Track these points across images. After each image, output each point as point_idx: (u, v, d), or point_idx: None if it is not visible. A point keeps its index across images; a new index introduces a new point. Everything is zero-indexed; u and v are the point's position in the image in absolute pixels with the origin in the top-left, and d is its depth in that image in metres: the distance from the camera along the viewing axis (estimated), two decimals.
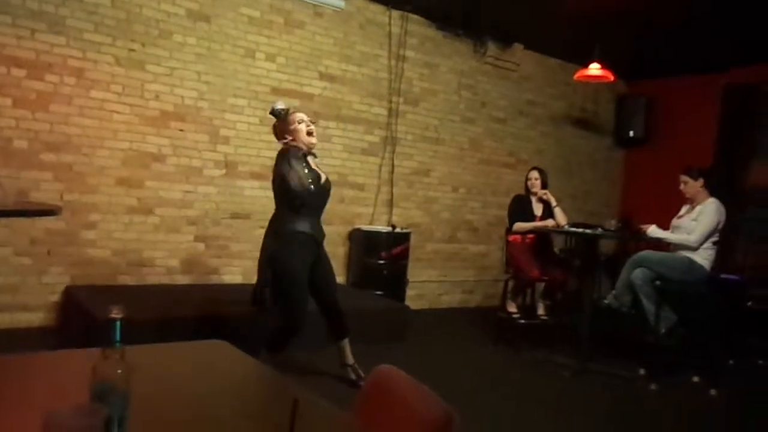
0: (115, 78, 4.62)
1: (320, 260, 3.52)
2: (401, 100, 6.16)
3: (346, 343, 3.68)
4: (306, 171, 3.33)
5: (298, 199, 3.31)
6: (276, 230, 3.42)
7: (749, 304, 5.09)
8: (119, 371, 0.99)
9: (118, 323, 1.01)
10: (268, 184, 5.31)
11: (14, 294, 4.31)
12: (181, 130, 4.93)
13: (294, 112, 3.46)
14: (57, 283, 4.46)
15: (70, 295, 4.37)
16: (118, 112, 4.64)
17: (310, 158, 3.46)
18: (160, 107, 4.82)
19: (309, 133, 3.41)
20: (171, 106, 4.87)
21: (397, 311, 5.14)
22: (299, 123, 3.40)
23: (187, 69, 4.92)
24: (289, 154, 3.32)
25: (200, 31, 4.97)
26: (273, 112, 3.45)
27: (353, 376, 3.63)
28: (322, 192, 3.44)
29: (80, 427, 0.84)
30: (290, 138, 3.40)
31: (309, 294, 3.45)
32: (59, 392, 1.18)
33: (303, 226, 3.38)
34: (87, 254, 4.58)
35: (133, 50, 4.67)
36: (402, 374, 1.45)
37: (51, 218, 4.16)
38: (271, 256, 3.39)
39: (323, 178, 3.46)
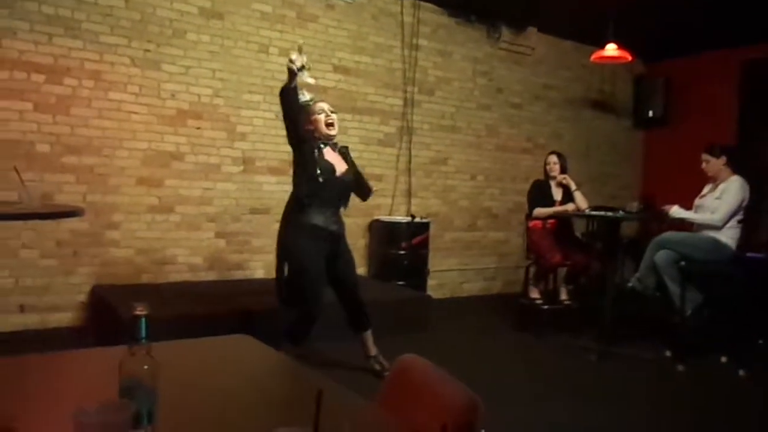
0: (131, 79, 4.66)
1: (338, 253, 3.49)
2: (416, 89, 6.13)
3: (368, 335, 3.69)
4: (320, 162, 3.33)
5: (305, 189, 3.34)
6: (287, 220, 3.46)
7: None
8: (146, 367, 1.01)
9: (143, 320, 1.03)
10: (286, 179, 5.37)
11: (43, 295, 4.39)
12: (198, 128, 4.97)
13: (316, 102, 3.46)
14: (83, 284, 4.54)
15: (96, 294, 4.44)
16: (136, 113, 4.69)
17: (328, 149, 3.43)
18: (176, 106, 4.86)
19: (328, 124, 3.40)
20: (187, 104, 4.91)
21: (419, 301, 5.15)
22: (319, 113, 3.41)
23: (201, 67, 4.95)
24: (305, 144, 3.35)
25: (213, 29, 4.99)
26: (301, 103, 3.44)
27: (377, 367, 3.65)
28: (336, 184, 3.39)
29: (109, 423, 0.86)
30: (312, 128, 3.41)
31: (324, 285, 3.44)
32: (88, 389, 1.20)
33: (313, 217, 3.36)
34: (111, 254, 4.65)
35: (148, 51, 4.71)
36: (426, 362, 1.45)
37: (75, 220, 4.23)
38: (283, 246, 3.45)
39: (340, 170, 3.42)
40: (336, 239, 3.47)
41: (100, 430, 0.85)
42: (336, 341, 3.90)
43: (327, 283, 3.47)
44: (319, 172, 3.30)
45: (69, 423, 0.85)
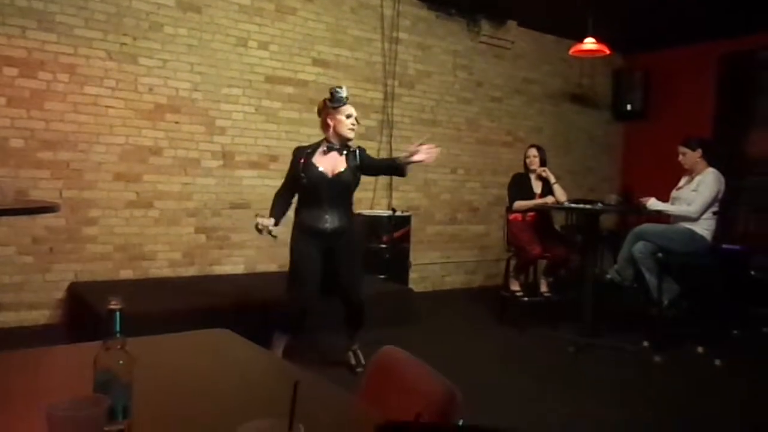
0: (108, 73, 4.60)
1: (334, 252, 3.50)
2: (396, 83, 6.13)
3: (355, 332, 3.75)
4: (305, 169, 3.40)
5: (299, 192, 3.51)
6: (294, 220, 3.59)
7: (752, 273, 5.11)
8: (121, 362, 1.00)
9: (118, 314, 1.02)
10: (267, 173, 5.39)
11: (19, 292, 4.32)
12: (177, 122, 4.92)
13: (347, 104, 3.45)
14: (61, 280, 4.47)
15: (74, 291, 4.39)
16: (112, 107, 4.63)
17: (319, 154, 3.45)
18: (154, 100, 4.80)
19: (350, 129, 3.45)
20: (165, 98, 4.85)
21: (400, 294, 5.16)
22: (347, 117, 3.43)
23: (179, 60, 4.90)
24: (307, 148, 3.50)
25: (191, 22, 4.94)
26: (334, 94, 3.41)
27: (353, 361, 3.70)
28: (329, 185, 3.41)
29: (83, 418, 0.85)
30: (330, 123, 3.45)
31: (315, 281, 3.47)
32: (62, 385, 1.19)
33: (305, 217, 3.48)
34: (89, 250, 4.59)
35: (124, 44, 4.65)
36: (405, 354, 1.46)
37: (51, 216, 4.17)
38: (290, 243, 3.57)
39: (333, 171, 3.42)
40: (330, 238, 3.46)
41: (73, 424, 0.84)
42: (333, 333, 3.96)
43: (318, 279, 3.49)
44: (303, 176, 3.41)
45: (43, 419, 0.84)
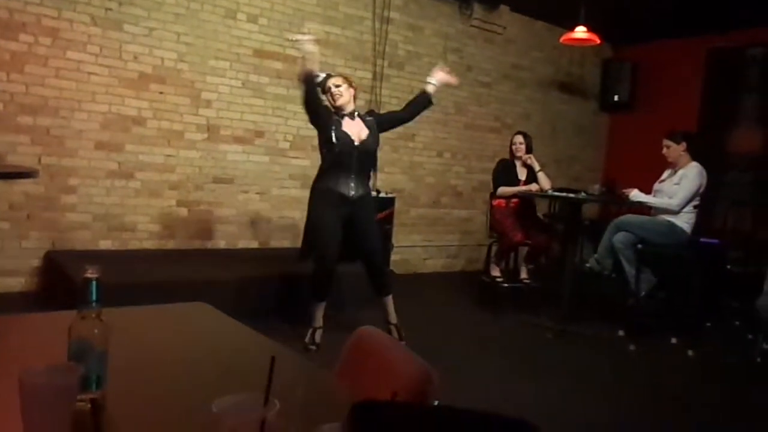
0: (91, 38, 4.50)
1: (356, 219, 3.67)
2: (386, 63, 6.08)
3: (388, 300, 3.85)
4: (336, 133, 3.54)
5: (325, 158, 3.64)
6: (312, 187, 3.74)
7: (728, 267, 5.20)
8: (96, 331, 0.98)
9: (94, 282, 1.00)
10: (252, 148, 5.34)
11: None
12: (161, 93, 4.84)
13: (327, 79, 3.67)
14: (38, 248, 4.41)
15: (51, 259, 4.33)
16: (95, 74, 4.54)
17: (347, 120, 3.63)
18: (138, 69, 4.72)
19: (336, 97, 3.63)
20: (150, 67, 4.76)
21: None
22: (326, 91, 3.66)
23: (166, 29, 4.80)
24: (324, 121, 3.60)
25: None
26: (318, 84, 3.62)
27: (395, 335, 3.76)
28: (353, 152, 3.58)
29: (55, 385, 0.83)
30: (329, 102, 3.67)
31: (336, 246, 3.63)
32: (36, 353, 1.17)
33: (329, 182, 3.61)
34: (67, 219, 4.52)
35: (109, 9, 4.54)
36: (383, 334, 1.46)
37: (30, 182, 4.10)
38: (307, 209, 3.74)
39: (359, 138, 3.60)
40: (354, 205, 3.64)
41: (46, 391, 0.83)
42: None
43: (339, 244, 3.66)
44: (335, 142, 3.54)
45: (15, 385, 0.82)
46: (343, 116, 3.64)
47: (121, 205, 4.75)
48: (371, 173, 3.86)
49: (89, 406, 0.89)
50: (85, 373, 0.92)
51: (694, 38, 6.97)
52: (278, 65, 5.41)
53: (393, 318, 3.86)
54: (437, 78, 3.83)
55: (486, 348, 4.17)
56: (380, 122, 3.78)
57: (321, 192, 3.65)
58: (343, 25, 5.78)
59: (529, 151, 5.26)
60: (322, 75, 3.65)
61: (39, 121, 4.34)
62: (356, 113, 3.70)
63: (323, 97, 3.66)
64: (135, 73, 4.70)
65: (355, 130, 3.63)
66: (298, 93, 5.42)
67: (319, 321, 3.72)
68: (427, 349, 1.31)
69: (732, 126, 6.94)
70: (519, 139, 5.29)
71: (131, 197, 4.79)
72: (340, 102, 3.63)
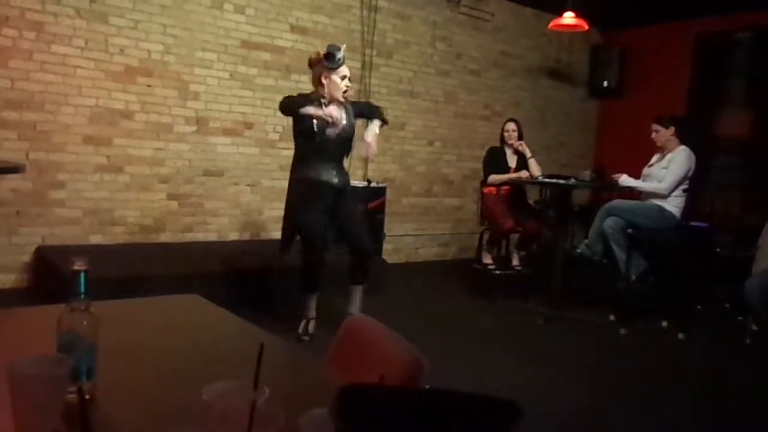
0: (76, 32, 4.45)
1: (340, 206, 3.60)
2: (374, 52, 6.06)
3: (358, 289, 3.78)
4: (319, 115, 3.39)
5: (305, 145, 3.49)
6: (290, 177, 3.62)
7: (718, 250, 5.24)
8: (85, 323, 0.99)
9: (83, 274, 1.00)
10: (241, 140, 5.32)
11: None
12: (149, 86, 4.80)
13: (342, 65, 3.44)
14: (27, 244, 4.39)
15: (41, 255, 4.31)
16: (81, 68, 4.50)
17: (332, 106, 3.47)
18: (125, 62, 4.68)
19: (344, 91, 3.47)
20: (136, 60, 4.72)
21: (374, 265, 5.16)
22: (342, 78, 3.44)
23: (152, 22, 4.76)
24: (307, 98, 3.44)
25: None
26: (331, 56, 3.38)
27: None
28: (336, 137, 3.48)
29: (45, 376, 0.84)
30: (324, 82, 3.45)
31: (323, 235, 3.56)
32: (26, 346, 1.17)
33: (310, 171, 3.49)
34: (57, 214, 4.50)
35: (94, 2, 4.49)
36: (374, 322, 1.47)
37: (17, 178, 4.07)
38: (286, 201, 3.61)
39: (339, 125, 3.46)
40: (338, 192, 3.57)
41: (35, 383, 0.83)
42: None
43: (326, 234, 3.60)
44: (316, 130, 3.40)
45: (4, 377, 0.82)
46: (321, 103, 3.45)
47: (111, 199, 4.72)
48: (345, 159, 3.72)
49: (77, 395, 0.90)
50: (75, 365, 0.92)
51: (682, 23, 6.98)
52: (266, 56, 5.38)
53: (355, 308, 3.73)
54: (366, 143, 3.56)
55: (478, 334, 4.20)
56: (356, 113, 3.65)
57: (303, 182, 3.52)
58: (331, 14, 5.75)
59: (520, 138, 5.27)
60: (341, 50, 3.40)
61: (25, 116, 4.30)
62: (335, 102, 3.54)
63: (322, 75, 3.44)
64: (122, 66, 4.66)
65: (336, 115, 3.46)
66: (286, 84, 5.45)
67: (312, 312, 3.71)
68: (418, 336, 1.32)
69: (720, 110, 6.97)
70: (512, 126, 5.30)
71: (121, 191, 4.76)
72: (342, 98, 3.48)
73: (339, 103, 3.51)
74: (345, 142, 3.58)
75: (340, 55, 3.37)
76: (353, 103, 3.74)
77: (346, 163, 3.75)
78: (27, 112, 4.31)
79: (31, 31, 4.27)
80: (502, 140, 5.33)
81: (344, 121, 3.52)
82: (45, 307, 1.50)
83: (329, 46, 3.44)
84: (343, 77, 3.46)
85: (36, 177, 4.35)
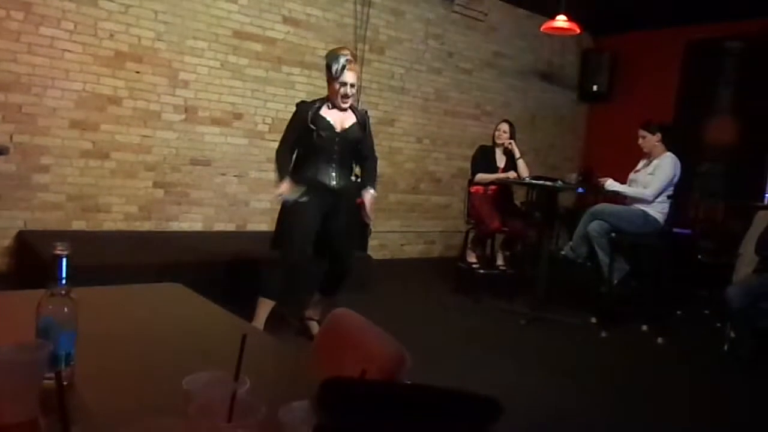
0: (66, 14, 4.39)
1: (333, 211, 3.43)
2: (367, 47, 6.04)
3: (322, 300, 3.68)
4: (318, 120, 3.31)
5: (306, 145, 3.37)
6: (292, 175, 3.44)
7: (699, 257, 5.30)
8: (65, 309, 0.98)
9: (64, 259, 0.99)
10: (229, 130, 5.29)
11: None
12: (138, 72, 4.75)
13: (347, 71, 3.32)
14: (9, 228, 4.33)
15: (22, 239, 4.26)
16: (69, 51, 4.44)
17: (332, 107, 3.39)
18: (114, 47, 4.63)
19: (343, 98, 3.35)
20: (126, 46, 4.67)
21: (359, 261, 5.15)
22: (341, 86, 3.32)
23: (143, 7, 4.71)
24: (313, 103, 3.38)
25: None
26: (328, 66, 3.33)
27: (309, 332, 3.67)
28: (338, 139, 3.36)
29: (23, 362, 0.82)
30: (330, 89, 3.38)
31: (311, 239, 3.39)
32: (4, 331, 1.15)
33: (311, 172, 3.36)
34: (40, 198, 4.44)
35: None
36: (357, 316, 1.47)
37: (1, 160, 4.01)
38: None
39: (344, 126, 3.38)
40: (335, 196, 3.41)
41: (13, 368, 0.82)
42: None
43: (313, 240, 3.41)
44: (314, 127, 3.30)
45: None
46: (323, 104, 3.39)
47: (96, 185, 4.67)
48: (353, 165, 3.57)
49: (55, 381, 0.89)
50: (54, 351, 0.91)
51: (672, 30, 7.03)
52: (258, 47, 5.35)
53: (317, 315, 3.67)
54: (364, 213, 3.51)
55: (460, 333, 4.21)
56: (365, 130, 3.52)
57: (300, 182, 3.35)
58: (324, 7, 5.73)
59: (511, 138, 5.29)
60: (341, 58, 3.30)
61: (11, 98, 4.24)
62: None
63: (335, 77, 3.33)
64: (111, 51, 4.61)
65: (338, 117, 3.37)
66: (277, 76, 5.43)
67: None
68: (402, 334, 1.32)
69: (707, 118, 7.04)
70: (504, 127, 5.32)
71: (106, 178, 4.71)
72: (345, 105, 3.38)
73: (342, 109, 3.41)
74: (348, 145, 3.42)
75: (337, 66, 3.29)
76: (368, 133, 3.57)
77: (356, 169, 3.62)
78: (13, 94, 4.25)
79: (19, 11, 4.21)
80: (494, 139, 5.35)
81: (349, 124, 3.40)
82: (25, 291, 1.48)
83: (327, 57, 3.38)
84: (344, 84, 3.32)
85: (20, 160, 4.29)
